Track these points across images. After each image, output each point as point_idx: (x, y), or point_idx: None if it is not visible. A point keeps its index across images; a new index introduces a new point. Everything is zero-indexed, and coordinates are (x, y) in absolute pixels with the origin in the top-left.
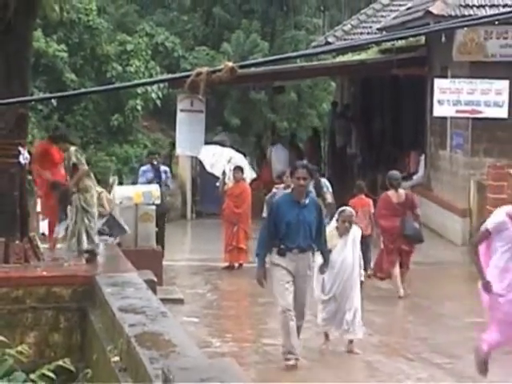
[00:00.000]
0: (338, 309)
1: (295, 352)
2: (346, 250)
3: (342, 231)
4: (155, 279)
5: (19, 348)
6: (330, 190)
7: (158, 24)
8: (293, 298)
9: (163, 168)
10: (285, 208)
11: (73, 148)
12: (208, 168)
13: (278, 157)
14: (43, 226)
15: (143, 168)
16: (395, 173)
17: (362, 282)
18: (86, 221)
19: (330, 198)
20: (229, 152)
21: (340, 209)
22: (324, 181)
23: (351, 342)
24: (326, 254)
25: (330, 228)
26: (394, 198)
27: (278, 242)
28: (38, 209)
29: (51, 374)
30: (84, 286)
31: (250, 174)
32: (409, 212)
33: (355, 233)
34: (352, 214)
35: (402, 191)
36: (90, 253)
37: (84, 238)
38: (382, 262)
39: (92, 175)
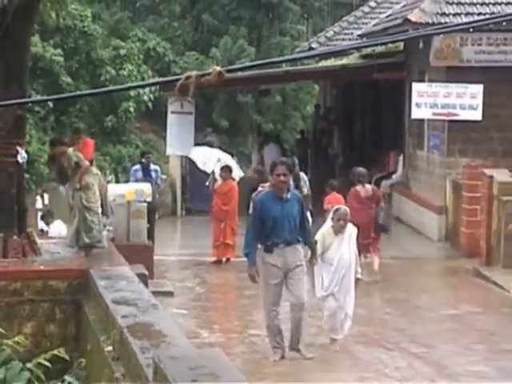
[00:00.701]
0: (338, 307)
1: (281, 346)
2: (343, 247)
3: (338, 229)
4: (147, 273)
5: (16, 338)
6: (307, 183)
7: (149, 30)
8: (288, 291)
9: (153, 167)
10: (268, 204)
11: (70, 149)
12: (201, 166)
13: (270, 154)
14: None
15: (134, 167)
16: (362, 170)
17: (358, 279)
18: (89, 217)
19: (306, 190)
20: (217, 153)
21: (335, 207)
22: (302, 174)
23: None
24: (312, 245)
25: (326, 226)
26: (362, 193)
27: (264, 238)
28: (38, 205)
29: (47, 363)
30: (79, 279)
31: (238, 173)
32: (374, 205)
33: (351, 230)
34: (347, 213)
35: (368, 186)
36: (90, 247)
37: (83, 233)
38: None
39: (94, 170)
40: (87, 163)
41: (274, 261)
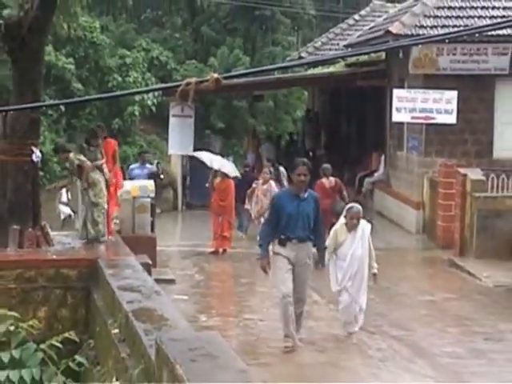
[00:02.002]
0: (352, 301)
1: (293, 336)
2: (355, 244)
3: (351, 227)
4: (150, 262)
5: (31, 322)
6: (285, 175)
7: (153, 40)
8: (292, 285)
9: (148, 165)
10: (285, 201)
11: (71, 154)
12: (208, 164)
13: (267, 151)
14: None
15: (131, 166)
16: (327, 166)
17: (374, 275)
18: (95, 213)
19: (285, 183)
20: (222, 160)
21: (348, 206)
22: (282, 169)
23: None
24: (320, 249)
25: (339, 224)
26: (327, 184)
27: (279, 232)
28: (63, 199)
29: (59, 345)
30: (88, 267)
31: (233, 173)
32: (337, 194)
33: (364, 227)
34: (359, 211)
35: (332, 179)
36: (95, 240)
37: (90, 227)
38: None
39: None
40: (89, 163)
41: (285, 253)
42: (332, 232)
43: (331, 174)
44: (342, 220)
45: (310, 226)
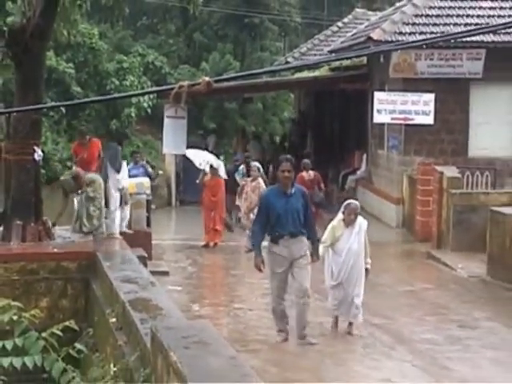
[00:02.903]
0: (346, 295)
1: (285, 330)
2: (351, 239)
3: (348, 222)
4: (146, 255)
5: (33, 312)
6: (261, 171)
7: (148, 46)
8: (292, 278)
9: (141, 163)
10: (273, 199)
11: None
12: (197, 165)
13: (254, 149)
14: None
15: (128, 167)
16: (307, 161)
17: (367, 270)
18: (91, 207)
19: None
20: (206, 155)
21: (346, 202)
22: (254, 164)
23: (351, 324)
24: (314, 241)
25: (336, 220)
26: (306, 177)
27: (270, 230)
28: None
29: (59, 333)
30: (87, 260)
31: (223, 174)
32: (316, 186)
33: (361, 223)
34: (357, 207)
35: (311, 172)
36: (90, 233)
37: (85, 221)
38: None
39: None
40: (79, 169)
41: (279, 251)
42: (329, 227)
43: (310, 168)
44: (339, 216)
45: (300, 221)
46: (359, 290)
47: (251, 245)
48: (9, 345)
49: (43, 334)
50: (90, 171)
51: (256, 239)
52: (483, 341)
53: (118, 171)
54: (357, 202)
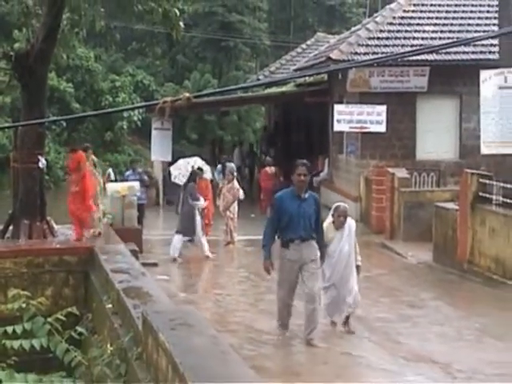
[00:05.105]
0: (338, 295)
1: (286, 326)
2: (343, 241)
3: (338, 225)
4: (137, 249)
5: (39, 300)
6: (235, 174)
7: (138, 67)
8: (302, 283)
9: (138, 170)
10: (287, 202)
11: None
12: (172, 178)
13: (236, 155)
14: None
15: (127, 173)
16: (269, 159)
17: (358, 266)
18: None
19: (231, 176)
20: (195, 160)
21: (335, 205)
22: (229, 164)
23: (347, 320)
24: (322, 248)
25: (327, 222)
26: (269, 171)
27: (281, 234)
28: None
29: (63, 318)
30: (86, 254)
31: (209, 176)
32: (276, 179)
33: (351, 225)
34: (346, 209)
35: (272, 168)
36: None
37: None
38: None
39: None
40: None
41: (290, 255)
42: None
43: (272, 164)
44: (329, 218)
45: (311, 226)
46: (351, 289)
47: (262, 245)
48: (18, 329)
49: (49, 319)
50: (71, 180)
51: (267, 241)
52: (430, 318)
53: (198, 200)
54: (345, 205)
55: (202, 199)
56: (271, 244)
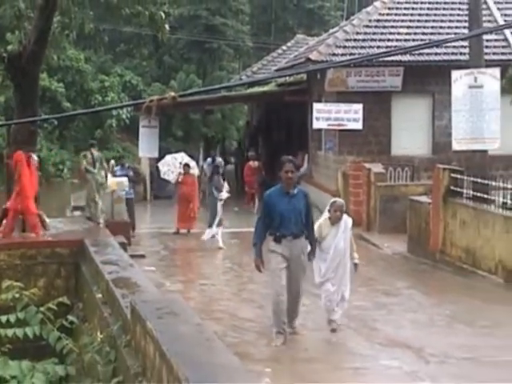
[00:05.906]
0: (334, 290)
1: (283, 327)
2: (338, 237)
3: (334, 220)
4: (126, 241)
5: (32, 290)
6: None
7: (126, 68)
8: (288, 279)
9: (127, 165)
10: (276, 199)
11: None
12: (161, 175)
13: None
14: None
15: (115, 168)
16: (253, 153)
17: (356, 265)
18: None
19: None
20: (182, 155)
21: (331, 200)
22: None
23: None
24: (313, 242)
25: (323, 218)
26: (252, 165)
27: (273, 230)
28: None
29: (54, 307)
30: (77, 247)
31: (196, 171)
32: (259, 172)
33: (346, 221)
34: (342, 204)
35: (256, 162)
36: (90, 220)
37: (87, 209)
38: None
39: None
40: (82, 166)
41: (280, 250)
42: (316, 226)
43: (255, 159)
44: (325, 214)
45: (302, 221)
46: (346, 284)
47: (253, 243)
48: (12, 318)
49: (41, 309)
50: (14, 180)
51: (257, 239)
52: (404, 305)
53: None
54: (342, 200)
55: (224, 190)
56: (262, 242)
